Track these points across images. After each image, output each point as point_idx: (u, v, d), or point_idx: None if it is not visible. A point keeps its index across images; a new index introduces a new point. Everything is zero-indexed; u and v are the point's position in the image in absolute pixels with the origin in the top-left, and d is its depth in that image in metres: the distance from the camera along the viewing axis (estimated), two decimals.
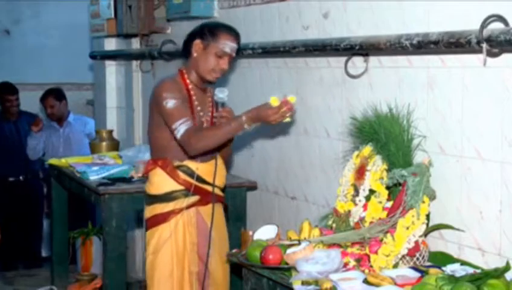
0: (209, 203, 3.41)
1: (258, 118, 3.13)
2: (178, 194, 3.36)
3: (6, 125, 6.88)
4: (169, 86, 3.30)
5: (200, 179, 3.37)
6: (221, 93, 3.34)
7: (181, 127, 3.21)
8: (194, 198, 3.37)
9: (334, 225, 2.98)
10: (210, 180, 3.39)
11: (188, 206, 3.36)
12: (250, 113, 3.14)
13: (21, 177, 6.85)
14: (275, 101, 3.08)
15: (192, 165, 3.36)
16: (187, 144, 3.22)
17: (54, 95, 6.69)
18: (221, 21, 4.37)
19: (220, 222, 3.48)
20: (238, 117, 3.17)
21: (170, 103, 3.24)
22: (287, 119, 3.12)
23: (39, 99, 6.89)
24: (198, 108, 3.36)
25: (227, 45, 3.30)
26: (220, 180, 3.46)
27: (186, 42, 3.39)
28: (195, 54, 3.33)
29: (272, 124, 3.15)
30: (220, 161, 3.44)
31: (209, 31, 3.33)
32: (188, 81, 3.36)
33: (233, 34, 3.36)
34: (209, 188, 3.40)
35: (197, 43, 3.32)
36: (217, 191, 3.44)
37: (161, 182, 3.36)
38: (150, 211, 3.41)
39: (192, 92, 3.36)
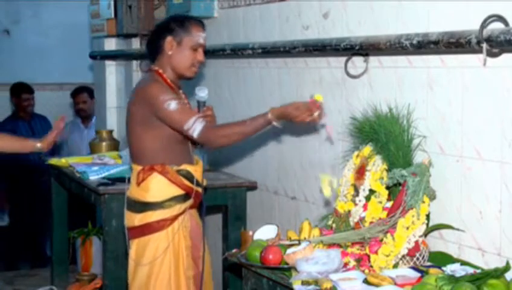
0: (197, 205, 3.39)
1: (284, 116, 3.08)
2: (177, 199, 3.27)
3: (22, 125, 6.92)
4: (162, 88, 3.20)
5: (196, 181, 3.33)
6: (202, 92, 3.31)
7: (196, 125, 3.13)
8: (190, 202, 3.32)
9: (334, 225, 2.98)
10: (201, 181, 3.37)
11: (185, 211, 3.31)
12: (277, 111, 3.09)
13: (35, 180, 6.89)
14: (319, 98, 3.06)
15: (190, 168, 3.30)
16: (208, 141, 3.16)
17: (88, 92, 6.77)
18: (220, 21, 4.39)
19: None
20: (264, 114, 3.11)
21: (173, 105, 3.14)
22: (316, 117, 3.07)
23: (70, 94, 6.97)
24: None
25: (201, 36, 3.27)
26: (205, 181, 3.45)
27: (154, 40, 3.30)
28: (169, 52, 3.25)
29: (298, 123, 3.10)
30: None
31: (179, 25, 3.26)
32: (168, 80, 3.28)
33: (201, 24, 3.32)
34: (199, 189, 3.36)
35: (169, 40, 3.24)
36: (201, 191, 3.41)
37: (161, 188, 3.25)
38: (140, 218, 3.26)
39: (174, 91, 3.28)
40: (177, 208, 3.28)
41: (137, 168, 3.29)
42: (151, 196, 3.26)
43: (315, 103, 3.07)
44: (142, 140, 3.25)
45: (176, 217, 3.28)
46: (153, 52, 3.32)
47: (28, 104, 6.99)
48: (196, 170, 3.33)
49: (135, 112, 3.25)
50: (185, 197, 3.30)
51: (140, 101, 3.23)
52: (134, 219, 3.29)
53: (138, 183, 3.27)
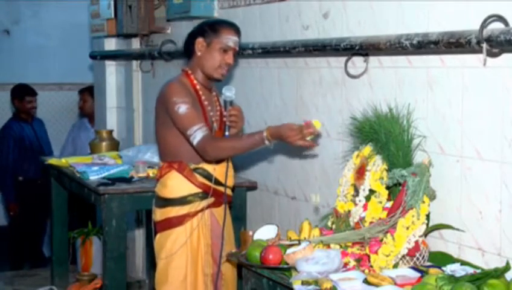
0: (221, 204, 3.42)
1: (279, 136, 3.08)
2: (194, 197, 3.33)
3: (25, 126, 6.92)
4: (178, 89, 3.26)
5: (216, 181, 3.36)
6: (228, 92, 3.34)
7: (197, 134, 3.19)
8: (211, 200, 3.37)
9: (333, 226, 2.98)
10: (223, 181, 3.39)
11: (204, 209, 3.35)
12: (273, 129, 3.10)
13: (39, 181, 6.90)
14: (317, 124, 3.03)
15: (208, 167, 3.34)
16: (204, 151, 3.20)
17: (89, 91, 6.76)
18: None
19: (229, 222, 3.49)
20: (260, 132, 3.13)
21: (182, 108, 3.21)
22: (308, 142, 3.04)
23: (78, 92, 7.01)
24: (209, 108, 3.36)
25: (230, 39, 3.31)
26: (231, 181, 3.46)
27: (187, 42, 3.38)
28: (199, 53, 3.32)
29: (292, 145, 3.07)
30: (230, 162, 3.42)
31: (210, 27, 3.32)
32: (195, 81, 3.35)
33: (234, 28, 3.36)
34: (222, 189, 3.40)
35: (200, 41, 3.31)
36: (228, 192, 3.44)
37: (177, 185, 3.33)
38: (161, 213, 3.37)
39: (200, 92, 3.35)
40: (196, 205, 3.34)
41: (161, 164, 3.42)
42: (169, 192, 3.35)
43: (309, 126, 3.01)
44: (164, 137, 3.35)
45: (195, 214, 3.34)
46: (186, 53, 3.41)
47: (32, 106, 6.96)
48: (216, 169, 3.36)
49: (157, 111, 3.35)
50: (203, 195, 3.35)
51: (160, 100, 3.32)
52: (157, 214, 3.40)
53: (157, 179, 3.41)
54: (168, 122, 3.29)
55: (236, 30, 3.36)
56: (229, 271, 3.46)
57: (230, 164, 3.41)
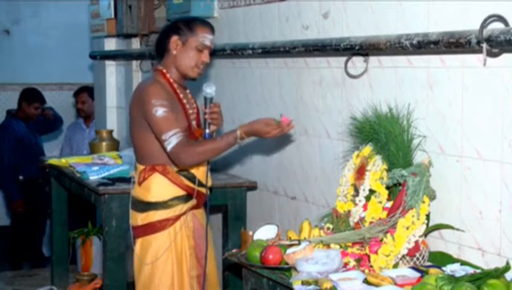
0: (201, 206, 3.40)
1: (254, 132, 3.14)
2: (179, 200, 3.28)
3: (23, 125, 6.93)
4: (156, 91, 3.18)
5: (199, 182, 3.34)
6: (209, 88, 3.30)
7: (172, 139, 3.12)
8: (193, 202, 3.33)
9: (331, 226, 2.98)
10: (204, 182, 3.36)
11: (187, 211, 3.32)
12: (246, 128, 3.13)
13: (40, 180, 6.91)
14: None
15: (192, 169, 3.30)
16: (177, 158, 3.15)
17: (88, 91, 6.76)
18: (220, 21, 4.39)
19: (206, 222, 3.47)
20: (233, 132, 3.14)
21: (160, 111, 3.13)
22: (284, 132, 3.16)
23: (73, 93, 6.99)
24: (187, 106, 3.31)
25: (207, 38, 3.27)
26: (210, 182, 3.42)
27: (160, 40, 3.31)
28: (174, 52, 3.25)
29: (267, 138, 3.17)
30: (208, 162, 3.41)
31: (185, 26, 3.26)
32: (171, 80, 3.28)
33: (209, 26, 3.32)
34: (203, 190, 3.37)
35: (175, 39, 3.25)
36: (207, 192, 3.41)
37: (161, 188, 3.26)
38: (143, 218, 3.28)
39: (178, 91, 3.28)
40: (179, 208, 3.29)
41: (140, 167, 3.31)
42: (153, 196, 3.27)
43: (289, 123, 3.13)
44: (143, 140, 3.26)
45: (178, 217, 3.29)
46: (159, 51, 3.34)
47: (37, 113, 6.98)
48: (198, 170, 3.33)
49: (134, 113, 3.26)
50: (187, 197, 3.31)
51: (137, 102, 3.24)
52: (137, 218, 3.31)
53: (139, 183, 3.30)
54: (143, 124, 3.21)
55: (211, 28, 3.32)
56: (212, 273, 3.45)
57: (208, 165, 3.39)
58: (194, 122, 3.33)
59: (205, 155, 3.18)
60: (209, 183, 3.41)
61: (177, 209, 3.28)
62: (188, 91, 3.39)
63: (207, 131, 3.29)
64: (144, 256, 3.29)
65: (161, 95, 3.17)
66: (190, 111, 3.32)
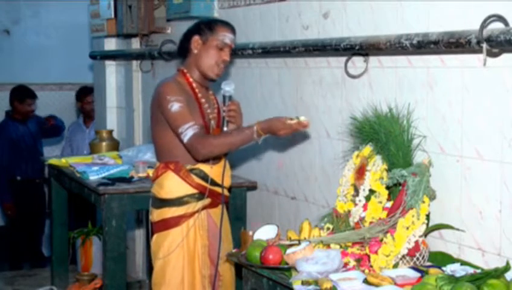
0: (218, 205, 3.41)
1: (269, 130, 3.14)
2: (191, 198, 3.33)
3: (20, 126, 6.91)
4: (173, 88, 3.26)
5: (212, 181, 3.36)
6: (228, 86, 3.34)
7: (188, 131, 3.19)
8: (207, 201, 3.36)
9: (331, 226, 2.98)
10: (220, 181, 3.38)
11: (200, 209, 3.35)
12: (263, 124, 3.14)
13: (37, 180, 6.89)
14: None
15: (205, 168, 3.34)
16: (194, 149, 3.20)
17: (92, 92, 6.72)
18: None
19: (226, 222, 3.49)
20: (250, 126, 3.17)
21: (175, 106, 3.21)
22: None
23: (75, 95, 6.94)
24: (206, 105, 3.35)
25: (227, 36, 3.31)
26: (228, 181, 3.45)
27: (183, 41, 3.38)
28: (195, 51, 3.32)
29: (281, 136, 3.18)
30: (227, 162, 3.42)
31: (206, 26, 3.33)
32: (191, 80, 3.34)
33: (230, 26, 3.37)
34: (219, 189, 3.39)
35: (196, 39, 3.31)
36: (225, 192, 3.44)
37: (174, 186, 3.32)
38: (158, 214, 3.36)
39: (197, 90, 3.34)
40: (192, 205, 3.33)
41: (157, 164, 3.41)
42: (165, 193, 3.34)
43: (305, 125, 3.14)
44: (161, 138, 3.34)
45: (191, 215, 3.33)
46: (182, 53, 3.40)
47: (31, 109, 6.97)
48: (212, 169, 3.35)
49: (152, 110, 3.34)
50: (199, 195, 3.35)
51: (155, 99, 3.32)
52: (154, 214, 3.40)
53: (153, 180, 3.40)
54: (162, 121, 3.28)
55: (232, 28, 3.37)
56: (227, 273, 3.46)
57: (227, 164, 3.41)
58: (213, 122, 3.37)
59: (221, 148, 3.22)
60: (227, 183, 3.44)
61: (190, 206, 3.33)
62: (210, 92, 3.45)
63: (225, 129, 3.33)
64: (158, 251, 3.36)
65: (176, 92, 3.25)
66: (208, 110, 3.36)
